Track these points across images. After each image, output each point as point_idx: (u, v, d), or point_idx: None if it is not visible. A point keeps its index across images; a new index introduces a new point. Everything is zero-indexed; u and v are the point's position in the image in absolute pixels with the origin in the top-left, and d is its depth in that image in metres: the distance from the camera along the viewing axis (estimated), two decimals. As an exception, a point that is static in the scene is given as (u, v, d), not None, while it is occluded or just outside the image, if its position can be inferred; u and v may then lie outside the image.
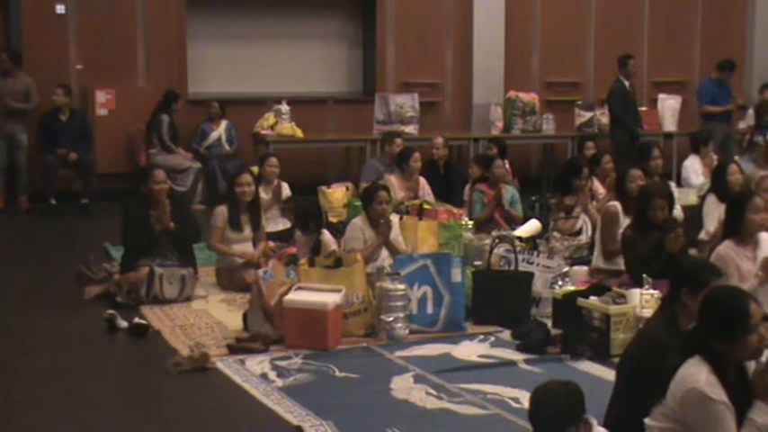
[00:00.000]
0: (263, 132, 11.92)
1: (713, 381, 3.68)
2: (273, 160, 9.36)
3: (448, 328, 6.65)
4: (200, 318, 7.10)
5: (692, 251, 7.91)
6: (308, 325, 6.25)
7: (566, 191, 8.65)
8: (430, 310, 6.68)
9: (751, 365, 3.82)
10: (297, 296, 6.37)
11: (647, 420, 3.87)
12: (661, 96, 13.39)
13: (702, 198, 9.08)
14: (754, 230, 6.16)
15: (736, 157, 10.20)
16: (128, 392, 5.75)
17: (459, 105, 13.45)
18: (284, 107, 11.96)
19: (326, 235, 7.55)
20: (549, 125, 12.84)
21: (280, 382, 5.68)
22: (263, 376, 5.79)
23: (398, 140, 10.22)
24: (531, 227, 8.47)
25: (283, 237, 8.49)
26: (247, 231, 7.99)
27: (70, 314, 7.21)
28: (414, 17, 13.27)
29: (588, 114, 13.00)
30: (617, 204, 7.42)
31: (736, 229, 6.17)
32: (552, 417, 3.60)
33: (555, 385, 3.74)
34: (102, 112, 12.03)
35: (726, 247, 6.12)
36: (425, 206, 8.75)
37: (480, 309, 6.87)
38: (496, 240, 7.38)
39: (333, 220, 8.79)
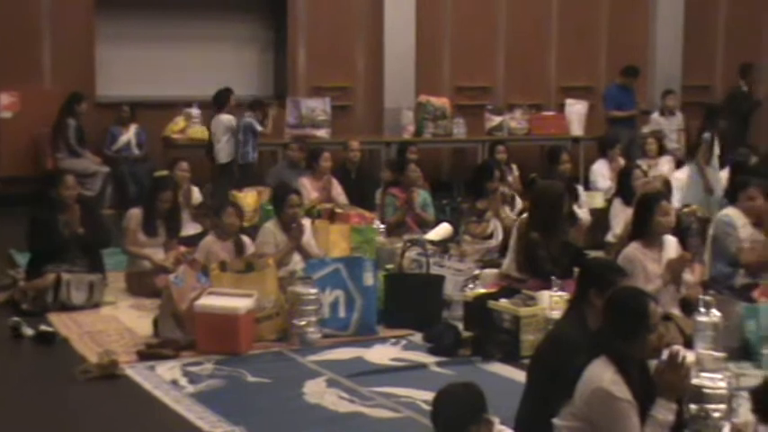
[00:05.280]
0: (174, 136, 11.80)
1: (618, 380, 3.77)
2: (184, 164, 9.29)
3: (360, 331, 6.67)
4: (110, 324, 7.00)
5: (600, 253, 8.07)
6: (220, 330, 6.20)
7: (477, 195, 8.74)
8: (342, 313, 6.69)
9: (653, 364, 3.92)
10: (208, 301, 6.32)
11: (555, 420, 3.94)
12: (569, 101, 13.62)
13: (609, 201, 9.28)
14: (661, 232, 6.30)
15: (640, 161, 10.41)
16: (35, 402, 5.61)
17: (371, 109, 13.49)
18: (195, 111, 11.87)
19: (245, 238, 7.51)
20: (459, 129, 12.95)
21: (191, 388, 5.63)
22: (174, 382, 5.73)
23: (326, 155, 10.07)
24: (443, 230, 8.54)
25: (194, 241, 8.41)
26: (162, 237, 7.93)
27: (-27, 322, 7.04)
28: (325, 21, 13.27)
29: (498, 119, 13.15)
30: None
31: (644, 230, 6.30)
32: (452, 417, 3.65)
33: (455, 386, 3.79)
34: (5, 114, 11.78)
35: (633, 249, 6.25)
36: (337, 210, 8.77)
37: (392, 312, 6.90)
38: (408, 244, 7.43)
39: (244, 224, 8.74)
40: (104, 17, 12.37)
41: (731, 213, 6.99)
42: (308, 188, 9.34)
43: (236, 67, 13.24)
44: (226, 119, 11.26)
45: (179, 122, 11.89)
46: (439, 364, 6.10)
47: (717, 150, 9.67)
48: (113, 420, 5.28)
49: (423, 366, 6.08)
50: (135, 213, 7.98)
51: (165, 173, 9.23)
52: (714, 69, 15.18)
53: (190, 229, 8.76)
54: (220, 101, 11.41)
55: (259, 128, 11.21)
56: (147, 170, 11.47)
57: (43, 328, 6.67)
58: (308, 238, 7.51)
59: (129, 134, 12.01)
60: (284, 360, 6.22)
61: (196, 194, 9.26)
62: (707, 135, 9.80)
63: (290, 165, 10.45)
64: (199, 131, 11.83)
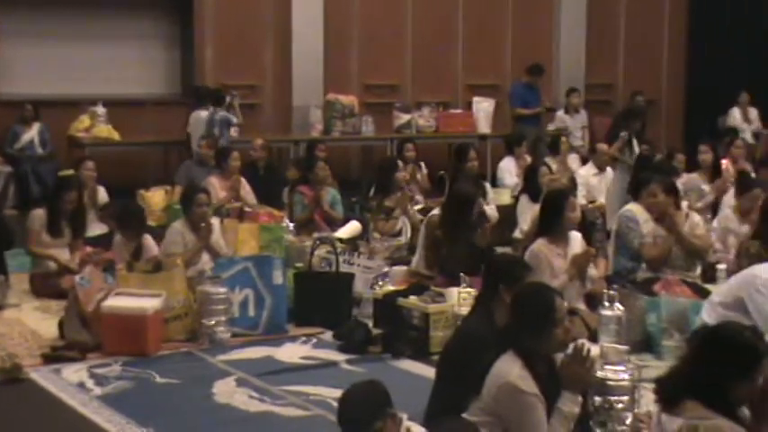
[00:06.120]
0: (79, 135, 11.61)
1: (525, 375, 3.85)
2: (89, 164, 9.18)
3: (270, 330, 6.66)
4: (13, 327, 6.86)
5: (507, 249, 8.19)
6: (128, 331, 6.13)
7: (385, 192, 8.79)
8: (252, 312, 6.67)
9: (559, 358, 4.01)
10: (115, 302, 6.24)
11: (464, 415, 3.99)
12: (476, 99, 13.77)
13: (516, 198, 9.42)
14: (569, 228, 6.42)
15: (547, 159, 10.59)
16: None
17: (279, 107, 13.44)
18: (100, 109, 11.70)
19: (148, 239, 7.44)
20: (368, 127, 13.00)
21: (98, 391, 5.55)
22: (81, 385, 5.64)
23: (235, 154, 10.03)
24: (352, 228, 8.57)
25: (101, 242, 8.30)
26: (67, 237, 7.81)
27: None
28: (232, 18, 13.17)
29: (406, 116, 13.22)
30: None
31: (553, 227, 6.38)
32: (357, 414, 3.67)
33: (358, 385, 3.82)
34: None
35: (540, 245, 6.34)
36: (246, 209, 8.74)
37: (302, 310, 6.91)
38: (317, 242, 7.44)
39: (152, 223, 8.66)
40: (4, 14, 12.09)
41: (634, 209, 7.16)
42: (217, 187, 9.29)
43: (142, 65, 13.07)
44: (205, 115, 11.21)
45: (84, 121, 11.70)
46: (349, 361, 6.12)
47: (636, 149, 9.95)
48: (18, 426, 5.17)
49: (333, 364, 6.10)
50: (39, 214, 7.85)
51: (70, 172, 9.09)
52: (617, 68, 15.52)
53: (95, 229, 8.65)
54: (203, 96, 11.34)
55: (235, 120, 11.34)
56: (51, 169, 11.26)
57: (-57, 332, 6.51)
58: (216, 237, 7.47)
59: (33, 132, 11.77)
60: (193, 360, 6.17)
61: (102, 194, 9.13)
62: (624, 134, 10.06)
63: (199, 163, 10.38)
64: (104, 130, 11.65)
